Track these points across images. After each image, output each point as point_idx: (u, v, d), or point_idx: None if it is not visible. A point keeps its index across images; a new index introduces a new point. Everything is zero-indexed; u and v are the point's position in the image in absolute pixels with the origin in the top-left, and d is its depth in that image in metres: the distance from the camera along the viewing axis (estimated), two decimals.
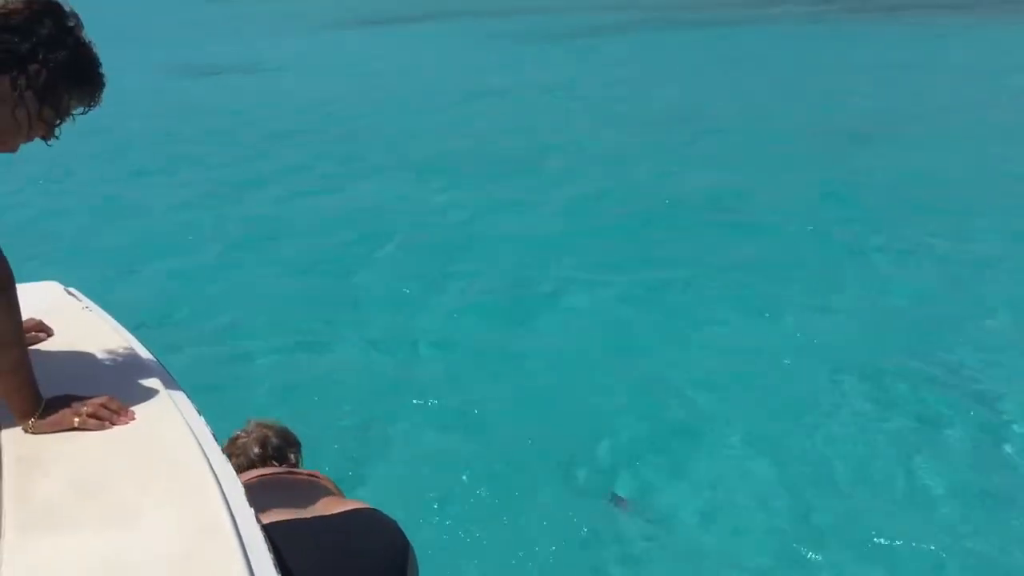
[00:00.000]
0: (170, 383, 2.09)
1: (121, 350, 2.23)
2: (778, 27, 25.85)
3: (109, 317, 2.44)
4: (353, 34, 28.76)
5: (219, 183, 9.26)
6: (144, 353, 2.24)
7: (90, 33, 1.96)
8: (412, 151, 10.27)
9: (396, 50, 23.01)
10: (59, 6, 1.91)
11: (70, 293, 2.56)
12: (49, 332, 2.25)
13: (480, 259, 6.54)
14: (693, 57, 19.45)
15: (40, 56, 1.85)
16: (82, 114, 2.00)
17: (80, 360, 2.18)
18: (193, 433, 1.89)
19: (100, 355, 2.21)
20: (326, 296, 5.96)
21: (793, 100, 13.02)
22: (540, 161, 9.53)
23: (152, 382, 2.07)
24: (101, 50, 1.98)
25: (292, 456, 2.58)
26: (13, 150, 1.96)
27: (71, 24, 1.91)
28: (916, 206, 7.54)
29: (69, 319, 2.35)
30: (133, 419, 1.90)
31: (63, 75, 1.89)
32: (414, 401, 4.62)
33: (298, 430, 2.74)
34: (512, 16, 30.18)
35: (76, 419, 1.85)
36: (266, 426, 2.66)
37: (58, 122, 1.96)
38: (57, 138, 1.99)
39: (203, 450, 1.85)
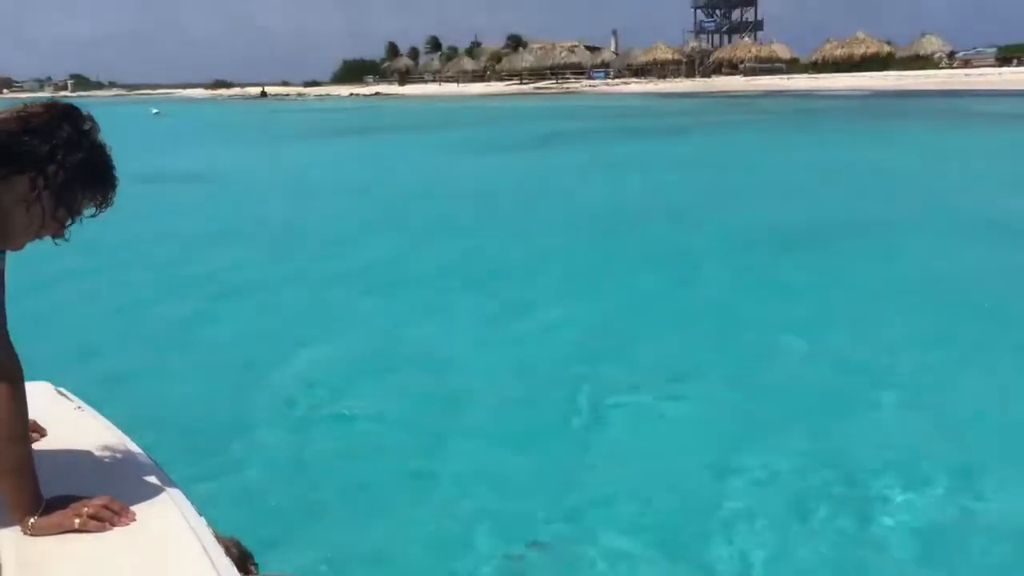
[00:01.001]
0: (167, 481, 2.06)
1: (116, 449, 2.20)
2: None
3: (101, 416, 2.42)
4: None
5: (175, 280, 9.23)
6: (138, 452, 2.21)
7: None
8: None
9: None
10: (77, 110, 1.98)
11: (61, 393, 2.53)
12: (42, 432, 2.22)
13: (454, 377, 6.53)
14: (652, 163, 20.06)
15: (58, 157, 1.90)
16: (92, 215, 2.04)
17: (75, 460, 2.14)
18: (194, 531, 1.87)
19: (95, 454, 2.17)
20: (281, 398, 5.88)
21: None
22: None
23: (149, 480, 2.04)
24: None
25: (253, 568, 2.54)
26: (19, 248, 1.97)
27: (87, 127, 1.98)
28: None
29: (61, 419, 2.32)
30: (134, 519, 1.86)
31: (79, 176, 1.95)
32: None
33: None
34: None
35: (77, 520, 1.81)
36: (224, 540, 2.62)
37: (70, 221, 1.99)
38: (67, 239, 2.04)
39: (205, 549, 1.82)
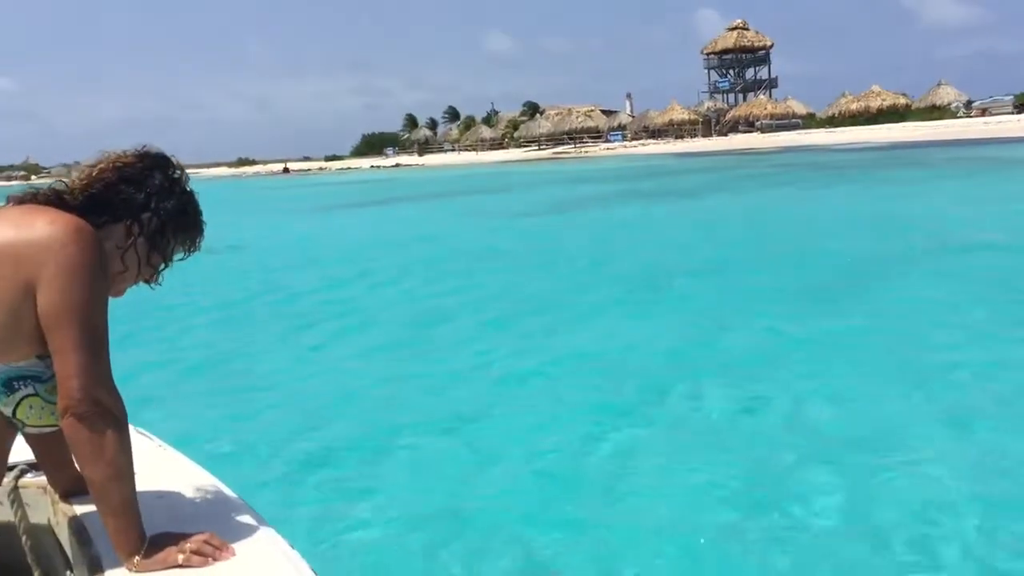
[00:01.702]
0: (257, 517, 2.06)
1: (204, 487, 2.21)
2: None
3: (183, 455, 2.43)
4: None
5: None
6: (225, 489, 2.22)
7: None
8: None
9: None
10: (167, 158, 2.04)
11: (141, 433, 2.55)
12: None
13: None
14: (672, 222, 20.11)
15: (152, 205, 1.96)
16: (181, 259, 2.09)
17: (167, 498, 2.15)
18: (293, 565, 1.85)
19: (186, 492, 2.18)
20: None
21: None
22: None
23: (242, 516, 2.05)
24: None
25: None
26: (120, 294, 2.02)
27: (177, 175, 2.03)
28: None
29: (146, 458, 2.33)
30: (234, 555, 1.85)
31: (171, 222, 1.99)
32: None
33: None
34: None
35: (181, 556, 1.82)
36: None
37: (163, 267, 2.04)
38: (160, 284, 2.08)
39: None
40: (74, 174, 2.02)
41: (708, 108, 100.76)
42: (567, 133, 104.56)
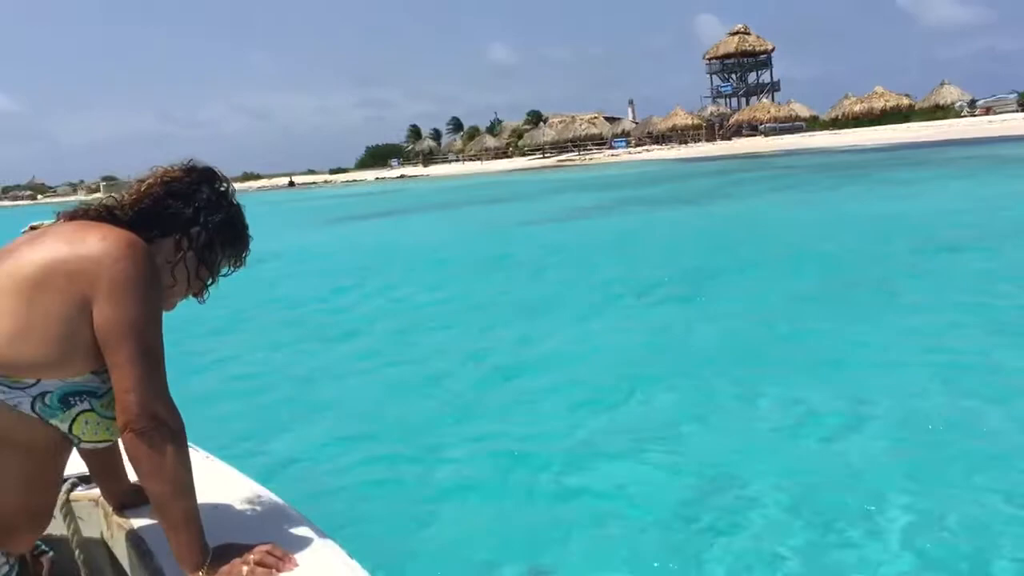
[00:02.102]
0: (314, 527, 2.06)
1: (256, 498, 2.22)
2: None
3: (231, 467, 2.44)
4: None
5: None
6: (278, 500, 2.23)
7: None
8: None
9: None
10: (213, 171, 2.05)
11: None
12: None
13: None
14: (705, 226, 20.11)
15: (201, 219, 1.97)
16: (226, 275, 2.11)
17: (223, 510, 2.15)
18: (353, 573, 1.86)
19: (240, 504, 2.19)
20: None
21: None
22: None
23: (298, 527, 2.06)
24: None
25: None
26: (171, 308, 2.04)
27: (224, 188, 2.05)
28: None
29: (197, 470, 2.32)
30: (297, 565, 1.86)
31: (220, 236, 2.01)
32: None
33: None
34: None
35: (245, 568, 1.83)
36: None
37: (211, 281, 2.05)
38: (206, 299, 2.10)
39: None
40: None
41: (711, 113, 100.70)
42: (571, 141, 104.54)
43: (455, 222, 28.44)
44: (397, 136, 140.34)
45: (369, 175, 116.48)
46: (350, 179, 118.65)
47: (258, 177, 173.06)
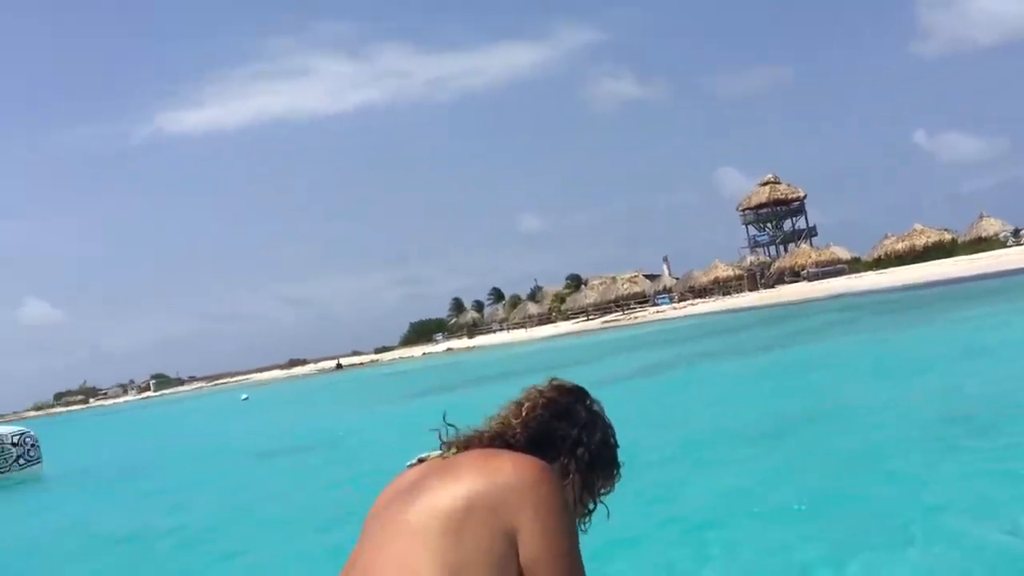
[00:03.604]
0: None
1: None
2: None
3: None
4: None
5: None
6: None
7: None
8: None
9: None
10: (584, 390, 2.07)
11: None
12: None
13: None
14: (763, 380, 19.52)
15: (584, 440, 1.94)
16: (603, 498, 2.02)
17: None
18: None
19: None
20: None
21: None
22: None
23: None
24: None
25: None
26: None
27: (597, 407, 2.04)
28: None
29: None
30: None
31: (600, 457, 1.97)
32: None
33: None
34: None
35: None
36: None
37: (592, 506, 1.98)
38: (587, 527, 1.97)
39: None
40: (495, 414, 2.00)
41: (751, 263, 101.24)
42: (613, 301, 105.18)
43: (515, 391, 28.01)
44: (438, 310, 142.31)
45: (416, 351, 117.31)
46: (397, 356, 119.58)
47: (304, 362, 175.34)
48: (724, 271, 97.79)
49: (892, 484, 8.22)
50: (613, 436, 2.02)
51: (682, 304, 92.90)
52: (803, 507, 7.98)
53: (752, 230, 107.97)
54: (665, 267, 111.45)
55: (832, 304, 49.86)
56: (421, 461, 1.94)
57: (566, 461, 1.89)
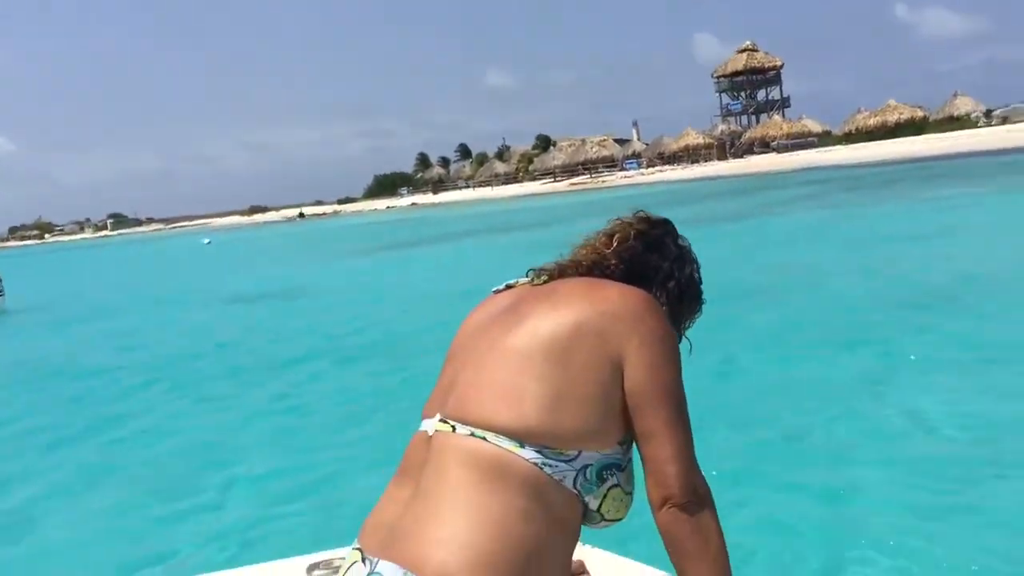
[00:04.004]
0: None
1: None
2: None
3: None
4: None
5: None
6: None
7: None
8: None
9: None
10: (671, 223, 1.95)
11: None
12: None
13: None
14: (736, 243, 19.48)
15: (675, 273, 1.87)
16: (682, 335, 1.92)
17: None
18: None
19: None
20: None
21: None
22: None
23: None
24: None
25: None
26: None
27: (686, 241, 1.94)
28: None
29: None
30: None
31: (688, 291, 1.90)
32: None
33: None
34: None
35: None
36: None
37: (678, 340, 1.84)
38: None
39: None
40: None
41: (722, 131, 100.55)
42: (582, 164, 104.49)
43: (496, 252, 27.79)
44: (403, 165, 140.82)
45: (380, 204, 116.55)
46: (360, 209, 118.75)
47: (265, 209, 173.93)
48: (695, 139, 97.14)
49: (853, 353, 8.26)
50: (699, 272, 1.93)
51: (651, 170, 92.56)
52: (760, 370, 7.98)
53: (726, 98, 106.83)
54: (635, 131, 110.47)
55: (802, 177, 49.84)
56: (509, 287, 1.86)
57: (658, 294, 1.82)
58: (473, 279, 19.36)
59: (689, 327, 1.94)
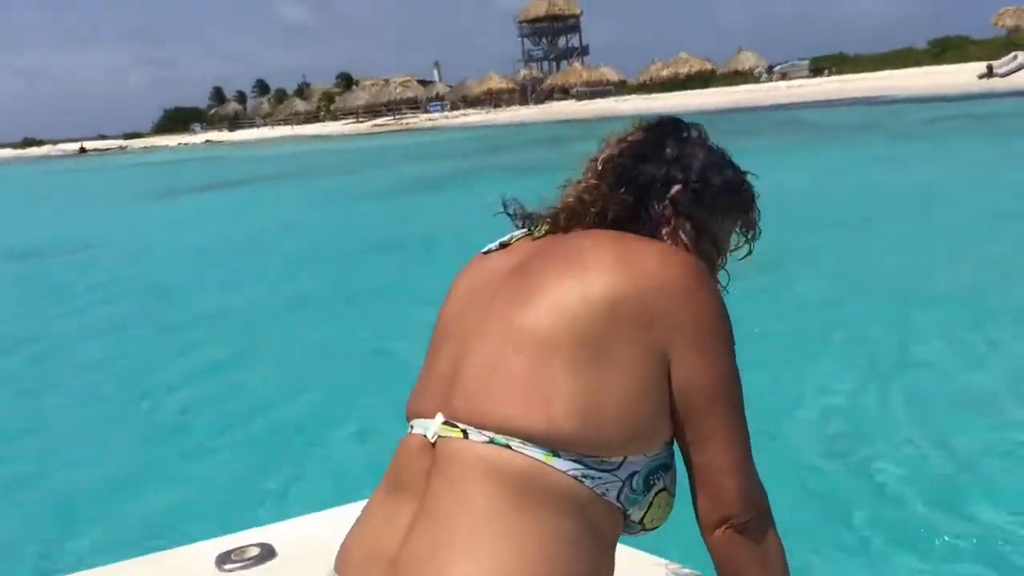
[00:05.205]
0: None
1: None
2: None
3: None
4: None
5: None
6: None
7: None
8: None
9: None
10: (673, 119, 1.58)
11: None
12: None
13: None
14: None
15: (676, 175, 1.50)
16: (743, 256, 1.61)
17: None
18: None
19: None
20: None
21: None
22: None
23: None
24: None
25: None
26: None
27: (696, 133, 1.57)
28: None
29: None
30: None
31: (707, 190, 1.51)
32: None
33: None
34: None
35: None
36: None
37: (721, 261, 1.58)
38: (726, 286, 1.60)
39: None
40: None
41: (524, 76, 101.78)
42: (385, 105, 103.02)
43: (304, 196, 27.02)
44: (195, 99, 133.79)
45: (171, 140, 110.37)
46: (149, 145, 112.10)
47: (40, 143, 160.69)
48: (498, 83, 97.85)
49: None
50: (727, 161, 1.56)
51: (455, 113, 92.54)
52: None
53: (528, 44, 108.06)
54: (436, 72, 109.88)
55: (604, 126, 51.14)
56: (504, 246, 1.52)
57: (660, 208, 1.48)
58: (292, 230, 18.88)
59: (744, 241, 1.58)
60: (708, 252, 1.52)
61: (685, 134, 1.55)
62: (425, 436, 1.35)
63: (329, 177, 33.48)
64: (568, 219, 1.48)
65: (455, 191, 23.29)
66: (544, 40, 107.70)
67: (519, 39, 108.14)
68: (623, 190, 1.47)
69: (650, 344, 1.32)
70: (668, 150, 1.51)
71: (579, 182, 1.52)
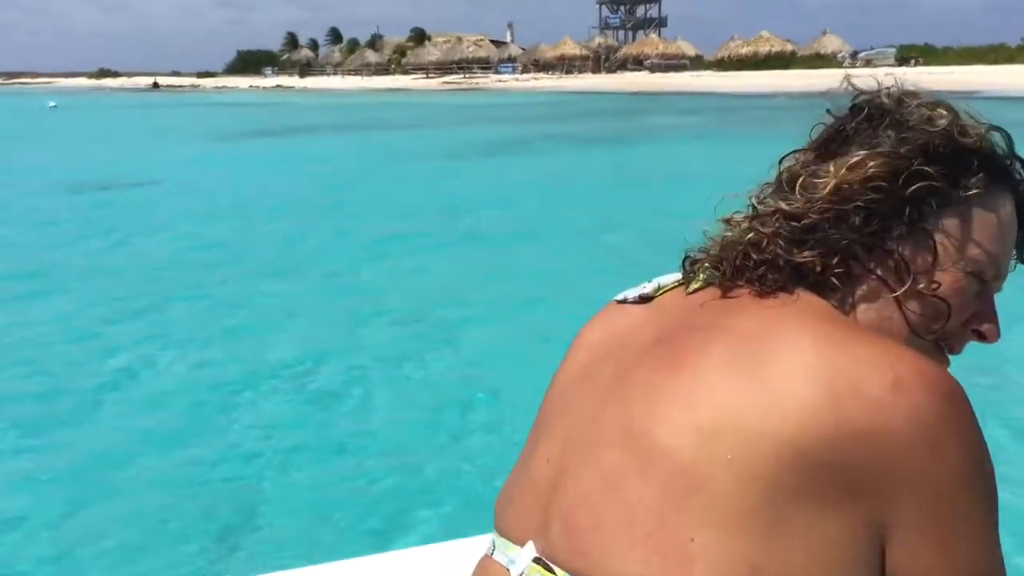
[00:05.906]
0: None
1: None
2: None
3: None
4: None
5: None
6: None
7: None
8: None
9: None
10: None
11: None
12: None
13: None
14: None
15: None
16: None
17: None
18: None
19: None
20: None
21: None
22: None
23: None
24: None
25: None
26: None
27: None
28: None
29: None
30: None
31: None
32: None
33: None
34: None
35: None
36: None
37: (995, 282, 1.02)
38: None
39: None
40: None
41: (599, 44, 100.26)
42: (456, 63, 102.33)
43: (372, 152, 26.71)
44: (265, 43, 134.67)
45: (242, 82, 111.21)
46: (221, 85, 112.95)
47: (116, 75, 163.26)
48: (572, 49, 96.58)
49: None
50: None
51: (525, 76, 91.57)
52: None
53: (605, 11, 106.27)
54: (509, 33, 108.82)
55: (681, 103, 50.16)
56: (644, 300, 1.05)
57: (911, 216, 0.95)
58: (355, 186, 18.62)
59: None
60: (981, 269, 1.00)
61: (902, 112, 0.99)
62: (502, 567, 0.99)
63: (393, 131, 33.11)
64: (738, 270, 0.98)
65: (512, 157, 22.93)
66: (622, 8, 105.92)
67: (597, 5, 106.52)
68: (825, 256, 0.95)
69: (855, 513, 0.86)
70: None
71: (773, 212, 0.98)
